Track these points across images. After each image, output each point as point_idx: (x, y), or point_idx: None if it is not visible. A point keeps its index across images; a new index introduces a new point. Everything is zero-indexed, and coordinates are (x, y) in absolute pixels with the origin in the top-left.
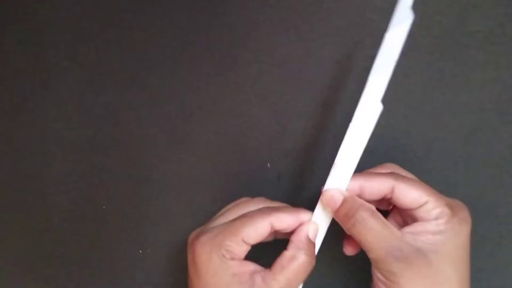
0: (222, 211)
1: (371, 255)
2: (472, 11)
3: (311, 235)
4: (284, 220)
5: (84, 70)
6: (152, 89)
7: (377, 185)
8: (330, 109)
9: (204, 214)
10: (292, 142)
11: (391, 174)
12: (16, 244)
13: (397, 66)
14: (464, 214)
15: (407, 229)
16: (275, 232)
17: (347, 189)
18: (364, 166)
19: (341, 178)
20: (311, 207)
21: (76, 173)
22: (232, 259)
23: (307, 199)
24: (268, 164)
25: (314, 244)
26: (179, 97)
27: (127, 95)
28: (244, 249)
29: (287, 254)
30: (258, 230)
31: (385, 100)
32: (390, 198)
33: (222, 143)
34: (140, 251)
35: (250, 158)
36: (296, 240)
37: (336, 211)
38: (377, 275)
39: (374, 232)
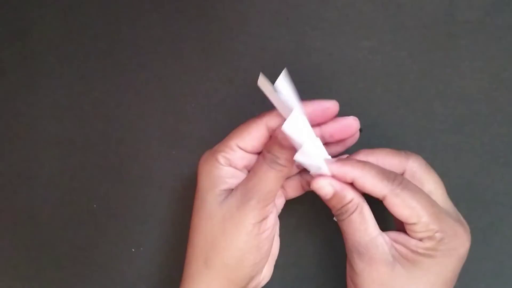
0: None
1: (345, 245)
2: (461, 1)
3: (281, 141)
4: (277, 118)
5: (73, 68)
6: (142, 85)
7: (369, 187)
8: None
9: None
10: None
11: (390, 182)
12: (6, 245)
13: (390, 56)
14: (457, 246)
15: (391, 233)
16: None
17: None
18: None
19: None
20: (305, 198)
21: (66, 172)
22: (229, 165)
23: None
24: None
25: (286, 149)
26: (170, 92)
27: (117, 92)
28: (239, 155)
29: (257, 164)
30: (252, 134)
31: (377, 91)
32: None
33: (214, 138)
34: (133, 250)
35: None
36: (264, 149)
37: (326, 202)
38: (347, 266)
39: (350, 225)
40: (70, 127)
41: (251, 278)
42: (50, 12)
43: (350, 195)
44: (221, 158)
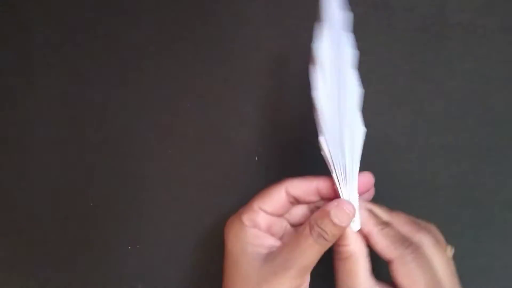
0: None
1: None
2: (452, 3)
3: (334, 218)
4: (298, 185)
5: (69, 67)
6: (139, 84)
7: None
8: None
9: (192, 209)
10: (280, 135)
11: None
12: (3, 243)
13: (382, 57)
14: (419, 254)
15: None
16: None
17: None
18: None
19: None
20: None
21: (62, 170)
22: (254, 227)
23: None
24: (256, 158)
25: (338, 227)
26: (166, 92)
27: (114, 91)
28: (262, 217)
29: (302, 235)
30: (273, 197)
31: (369, 91)
32: None
33: (210, 137)
34: (129, 247)
35: (238, 152)
36: (312, 220)
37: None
38: None
39: (341, 269)
40: (66, 125)
41: None
42: (47, 12)
43: (351, 239)
44: (246, 219)
